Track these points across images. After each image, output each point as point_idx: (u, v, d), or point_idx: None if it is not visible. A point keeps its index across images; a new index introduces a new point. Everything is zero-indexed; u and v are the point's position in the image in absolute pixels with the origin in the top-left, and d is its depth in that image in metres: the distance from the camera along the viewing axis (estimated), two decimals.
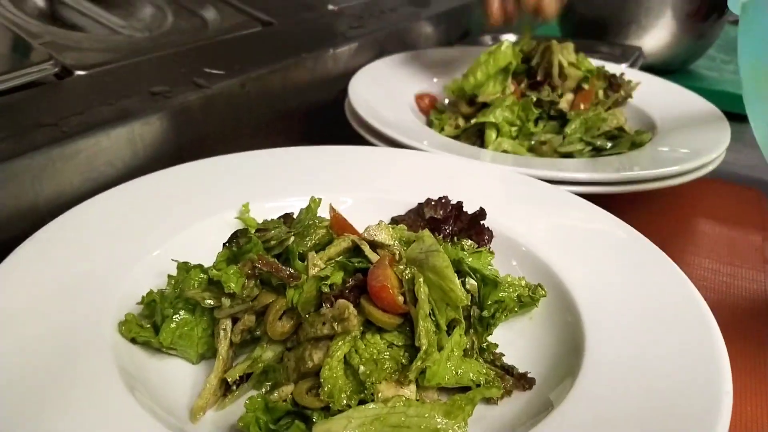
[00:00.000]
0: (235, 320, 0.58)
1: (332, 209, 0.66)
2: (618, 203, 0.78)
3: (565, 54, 1.05)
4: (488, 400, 0.55)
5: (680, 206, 1.02)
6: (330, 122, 1.12)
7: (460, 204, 0.69)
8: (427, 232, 0.58)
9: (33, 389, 0.48)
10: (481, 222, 0.68)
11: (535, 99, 1.01)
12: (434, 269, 0.53)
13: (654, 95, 1.16)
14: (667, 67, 1.64)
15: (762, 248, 0.91)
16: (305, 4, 1.30)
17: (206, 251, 0.65)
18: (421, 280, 0.53)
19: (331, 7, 1.33)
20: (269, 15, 1.18)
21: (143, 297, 0.61)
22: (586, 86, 1.04)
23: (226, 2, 1.16)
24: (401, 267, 0.55)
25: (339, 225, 0.65)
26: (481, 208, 0.68)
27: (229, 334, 0.57)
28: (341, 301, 0.53)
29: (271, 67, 0.99)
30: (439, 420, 0.47)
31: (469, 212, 0.71)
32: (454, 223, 0.68)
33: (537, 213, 0.76)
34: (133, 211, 0.70)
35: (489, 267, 0.60)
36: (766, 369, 0.67)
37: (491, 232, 0.69)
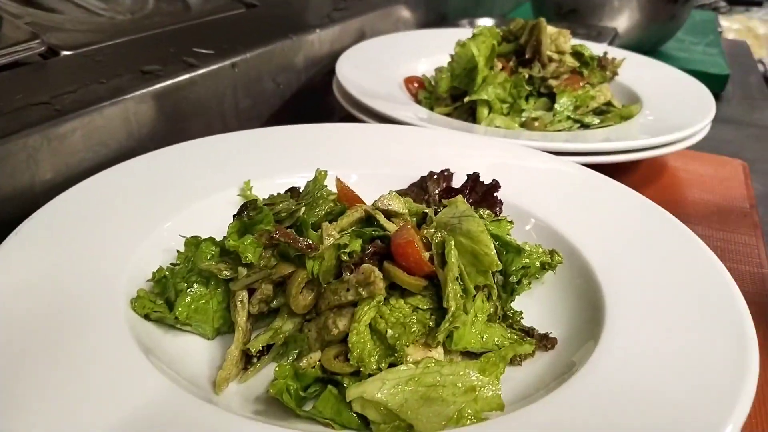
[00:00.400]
0: (251, 292, 0.57)
1: (339, 181, 0.65)
2: (606, 174, 0.78)
3: (561, 42, 1.05)
4: (512, 362, 0.55)
5: (668, 177, 1.04)
6: (318, 102, 1.11)
7: (476, 175, 0.69)
8: (460, 198, 0.58)
9: (49, 364, 0.47)
10: (494, 193, 0.68)
11: (527, 76, 1.01)
12: (468, 233, 0.52)
13: (637, 71, 1.18)
14: (639, 49, 1.67)
15: (751, 214, 0.93)
16: None
17: (209, 229, 0.64)
18: (452, 242, 0.52)
19: None
20: None
21: (153, 274, 0.59)
22: (585, 71, 1.05)
23: None
24: (431, 230, 0.54)
25: (347, 196, 0.65)
26: (494, 180, 0.68)
27: (247, 306, 0.56)
28: (366, 265, 0.52)
29: (259, 48, 0.97)
30: (474, 377, 0.47)
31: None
32: (470, 194, 0.68)
33: (538, 181, 0.76)
34: (134, 190, 0.68)
35: (508, 235, 0.60)
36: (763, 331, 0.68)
37: (502, 202, 0.69)
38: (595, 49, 1.16)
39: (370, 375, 0.49)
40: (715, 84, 1.55)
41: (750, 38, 3.06)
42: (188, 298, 0.57)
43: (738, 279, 0.59)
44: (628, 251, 0.63)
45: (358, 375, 0.50)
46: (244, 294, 0.57)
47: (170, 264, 0.61)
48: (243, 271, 0.56)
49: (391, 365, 0.50)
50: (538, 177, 0.78)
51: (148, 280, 0.59)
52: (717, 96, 1.57)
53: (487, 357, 0.50)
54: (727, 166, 1.09)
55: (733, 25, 3.23)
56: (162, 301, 0.58)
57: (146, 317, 0.57)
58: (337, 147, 0.82)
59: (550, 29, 1.07)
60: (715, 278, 0.58)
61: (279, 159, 0.78)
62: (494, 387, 0.48)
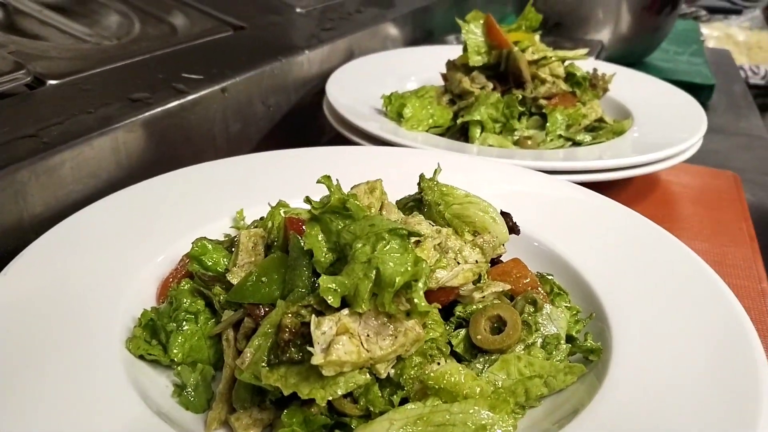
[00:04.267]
0: (237, 325, 0.55)
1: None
2: (601, 191, 0.78)
3: (554, 66, 1.05)
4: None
5: (660, 191, 1.04)
6: (309, 123, 1.10)
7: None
8: None
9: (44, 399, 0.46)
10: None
11: (520, 97, 1.01)
12: None
13: (626, 85, 1.18)
14: (625, 61, 1.67)
15: (745, 227, 0.93)
16: (273, 8, 1.27)
17: None
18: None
19: (298, 9, 1.31)
20: (239, 19, 1.15)
21: (139, 319, 0.57)
22: (578, 91, 1.05)
23: (194, 8, 1.13)
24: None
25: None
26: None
27: (233, 343, 0.54)
28: None
29: (248, 71, 0.96)
30: (484, 415, 0.46)
31: None
32: None
33: (534, 202, 0.76)
34: (125, 223, 0.67)
35: None
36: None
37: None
38: (583, 64, 1.16)
39: (382, 412, 0.48)
40: (702, 94, 1.56)
41: (730, 45, 3.10)
42: (180, 338, 0.55)
43: (738, 295, 0.59)
44: (631, 275, 0.62)
45: (368, 417, 0.48)
46: (230, 332, 0.55)
47: (153, 306, 0.60)
48: (228, 313, 0.56)
49: (404, 399, 0.48)
50: (534, 198, 0.77)
51: (136, 326, 0.58)
52: (703, 106, 1.58)
53: (497, 393, 0.48)
54: (719, 178, 1.09)
55: (713, 33, 3.27)
56: (156, 342, 0.56)
57: (141, 358, 0.55)
58: (334, 171, 0.81)
59: (540, 46, 1.07)
60: (721, 302, 0.57)
61: (270, 186, 0.77)
62: (505, 424, 0.46)
